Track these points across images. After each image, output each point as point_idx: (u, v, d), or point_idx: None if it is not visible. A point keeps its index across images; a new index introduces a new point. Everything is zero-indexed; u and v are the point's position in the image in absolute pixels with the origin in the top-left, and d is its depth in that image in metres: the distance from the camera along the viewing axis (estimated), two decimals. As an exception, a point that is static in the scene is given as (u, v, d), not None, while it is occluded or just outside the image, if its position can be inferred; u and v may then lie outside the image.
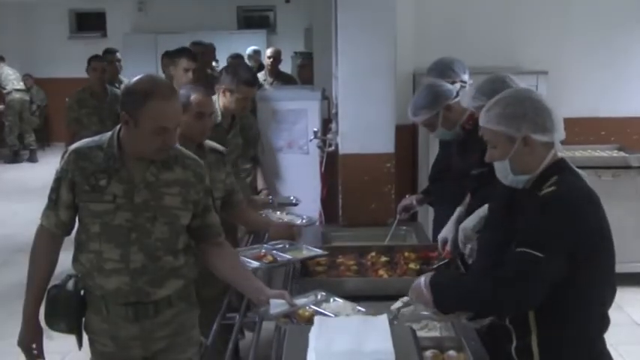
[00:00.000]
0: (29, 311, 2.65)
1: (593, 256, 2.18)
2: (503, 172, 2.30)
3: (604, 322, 2.26)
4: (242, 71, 4.21)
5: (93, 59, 6.54)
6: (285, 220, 3.91)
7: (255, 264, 2.99)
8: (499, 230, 2.36)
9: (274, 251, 3.16)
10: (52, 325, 2.67)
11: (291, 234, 3.39)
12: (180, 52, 5.34)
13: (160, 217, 2.50)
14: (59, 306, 2.64)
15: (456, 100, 3.43)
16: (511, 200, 2.34)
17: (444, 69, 3.76)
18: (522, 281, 2.12)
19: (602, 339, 2.28)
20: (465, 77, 3.77)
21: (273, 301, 2.48)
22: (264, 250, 3.19)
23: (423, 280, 2.34)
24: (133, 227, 2.48)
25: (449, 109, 3.40)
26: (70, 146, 2.62)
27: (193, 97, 3.26)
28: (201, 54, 6.31)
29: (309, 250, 3.23)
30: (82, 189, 2.49)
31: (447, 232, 3.28)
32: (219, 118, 4.09)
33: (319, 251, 3.23)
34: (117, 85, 7.29)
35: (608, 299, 2.27)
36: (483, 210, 2.98)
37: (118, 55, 7.82)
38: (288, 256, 3.12)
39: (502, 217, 2.38)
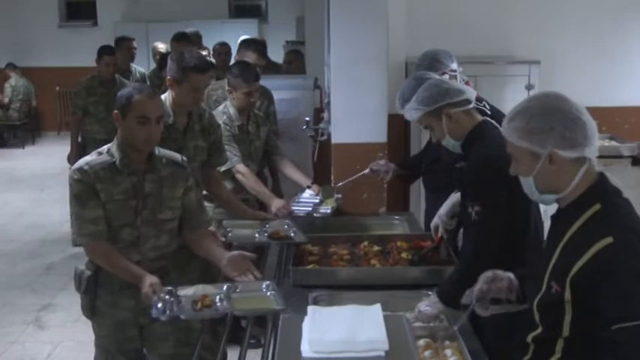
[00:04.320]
0: None
1: None
2: (529, 188, 2.08)
3: None
4: (189, 56, 3.48)
5: (105, 53, 6.49)
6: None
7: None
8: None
9: (219, 297, 2.64)
10: None
11: (245, 268, 2.82)
12: (249, 45, 4.97)
13: None
14: None
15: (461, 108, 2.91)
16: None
17: (432, 62, 3.73)
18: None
19: None
20: (454, 66, 3.74)
21: None
22: (205, 293, 2.66)
23: None
24: None
25: (449, 116, 2.86)
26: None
27: (135, 97, 2.78)
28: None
29: (266, 303, 2.63)
30: None
31: (438, 217, 3.33)
32: (171, 117, 3.47)
33: (268, 309, 2.60)
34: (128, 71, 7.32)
35: None
36: (457, 197, 3.16)
37: (135, 43, 7.71)
38: (226, 305, 2.59)
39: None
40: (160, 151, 2.93)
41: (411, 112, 2.96)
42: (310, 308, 2.18)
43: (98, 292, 2.90)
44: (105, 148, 2.88)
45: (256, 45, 5.11)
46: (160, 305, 2.56)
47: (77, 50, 12.25)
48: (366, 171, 4.07)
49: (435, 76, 3.47)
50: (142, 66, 7.72)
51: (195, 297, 2.61)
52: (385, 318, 2.08)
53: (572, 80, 5.83)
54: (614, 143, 5.74)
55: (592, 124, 1.99)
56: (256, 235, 3.45)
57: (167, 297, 2.60)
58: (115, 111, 2.83)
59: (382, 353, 1.92)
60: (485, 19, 5.79)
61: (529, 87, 5.37)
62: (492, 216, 2.69)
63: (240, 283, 2.73)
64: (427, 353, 2.25)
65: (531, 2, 5.89)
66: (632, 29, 6.02)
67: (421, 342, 2.30)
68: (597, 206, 1.95)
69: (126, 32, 8.73)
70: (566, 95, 2.08)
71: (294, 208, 4.04)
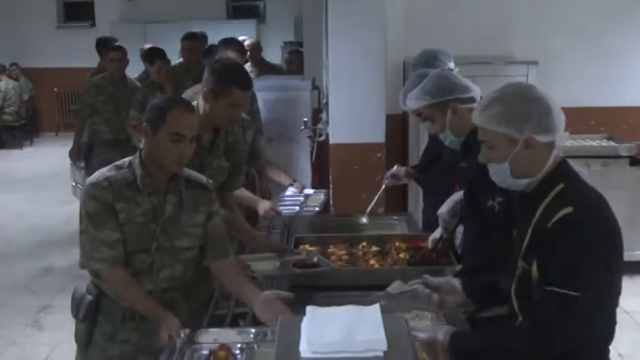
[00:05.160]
0: None
1: (621, 259, 2.07)
2: (501, 175, 2.13)
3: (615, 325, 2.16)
4: (235, 69, 3.15)
5: (110, 49, 6.39)
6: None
7: None
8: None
9: (240, 347, 2.33)
10: None
11: (279, 311, 2.46)
12: (227, 44, 4.85)
13: None
14: None
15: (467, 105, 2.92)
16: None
17: (430, 59, 3.74)
18: (563, 326, 1.95)
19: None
20: (451, 65, 3.76)
21: None
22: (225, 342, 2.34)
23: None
24: None
25: (455, 110, 2.88)
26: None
27: (171, 111, 2.46)
28: (194, 49, 6.25)
29: None
30: None
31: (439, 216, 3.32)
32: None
33: None
34: None
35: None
36: (458, 195, 3.12)
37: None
38: None
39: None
40: (184, 171, 2.61)
41: (414, 102, 2.95)
42: (309, 308, 2.18)
43: (98, 320, 2.58)
44: (126, 161, 2.56)
45: (235, 44, 5.03)
46: (168, 354, 2.27)
47: (75, 51, 12.25)
48: (383, 187, 4.02)
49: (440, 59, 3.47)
50: (139, 67, 7.63)
51: (213, 347, 2.28)
52: (384, 318, 2.08)
53: (570, 81, 5.85)
54: (612, 143, 5.74)
55: (560, 112, 2.10)
56: (278, 265, 3.09)
57: (184, 340, 2.33)
58: (145, 123, 2.50)
59: (381, 353, 1.92)
60: (483, 20, 5.81)
61: (527, 87, 5.38)
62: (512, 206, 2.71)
63: (271, 329, 2.38)
64: (425, 353, 2.24)
65: (529, 3, 5.90)
66: (629, 30, 6.04)
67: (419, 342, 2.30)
68: (561, 185, 2.05)
69: (124, 33, 8.73)
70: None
71: (280, 207, 3.98)
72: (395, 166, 4.07)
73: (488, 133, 2.11)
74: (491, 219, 2.73)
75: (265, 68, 7.59)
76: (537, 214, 2.06)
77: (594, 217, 2.00)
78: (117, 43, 6.73)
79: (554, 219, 1.98)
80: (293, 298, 2.59)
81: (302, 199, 4.15)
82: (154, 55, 6.10)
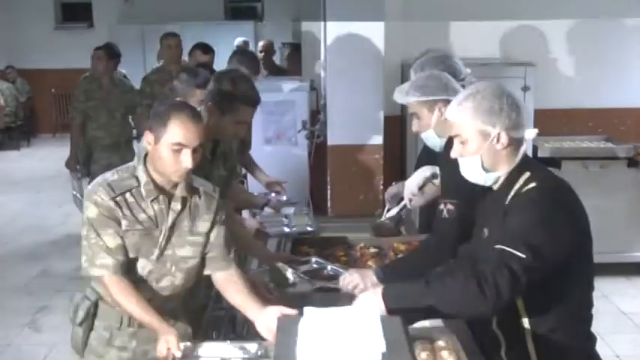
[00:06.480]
0: None
1: (585, 245, 2.19)
2: (473, 168, 2.22)
3: (591, 309, 2.27)
4: (243, 84, 2.98)
5: (95, 48, 6.32)
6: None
7: None
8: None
9: None
10: None
11: None
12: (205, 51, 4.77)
13: None
14: None
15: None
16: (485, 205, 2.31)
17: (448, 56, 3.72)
18: (498, 281, 2.06)
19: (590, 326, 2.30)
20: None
21: None
22: (226, 357, 2.28)
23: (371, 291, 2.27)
24: None
25: (442, 112, 2.86)
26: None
27: (173, 119, 2.34)
28: (175, 47, 6.12)
29: None
30: None
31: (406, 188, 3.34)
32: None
33: None
34: None
35: (592, 285, 2.27)
36: (429, 168, 3.24)
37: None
38: None
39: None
40: (190, 178, 2.53)
41: (404, 96, 2.98)
42: (306, 309, 2.18)
43: (95, 325, 2.55)
44: (129, 166, 2.48)
45: (204, 48, 4.83)
46: None
47: (73, 52, 12.23)
48: (387, 209, 3.94)
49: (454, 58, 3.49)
50: (136, 68, 7.63)
51: None
52: (382, 319, 2.08)
53: (568, 82, 5.86)
54: (610, 145, 5.74)
55: (526, 111, 2.25)
56: (293, 277, 2.90)
57: (183, 354, 2.25)
58: (147, 130, 2.41)
59: (379, 355, 1.92)
60: (481, 22, 5.81)
61: (525, 89, 5.37)
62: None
63: (272, 346, 2.25)
64: (424, 355, 2.24)
65: (527, 4, 5.91)
66: (627, 31, 6.05)
67: (417, 343, 2.29)
68: (527, 173, 2.19)
69: (121, 34, 8.71)
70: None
71: (268, 229, 3.67)
72: (392, 185, 3.99)
73: (462, 128, 2.21)
74: (439, 222, 2.79)
75: (275, 69, 7.58)
76: (507, 204, 2.18)
77: (556, 195, 2.15)
78: (114, 46, 6.67)
79: (520, 193, 2.15)
80: (298, 314, 2.44)
81: (285, 219, 3.83)
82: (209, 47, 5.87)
